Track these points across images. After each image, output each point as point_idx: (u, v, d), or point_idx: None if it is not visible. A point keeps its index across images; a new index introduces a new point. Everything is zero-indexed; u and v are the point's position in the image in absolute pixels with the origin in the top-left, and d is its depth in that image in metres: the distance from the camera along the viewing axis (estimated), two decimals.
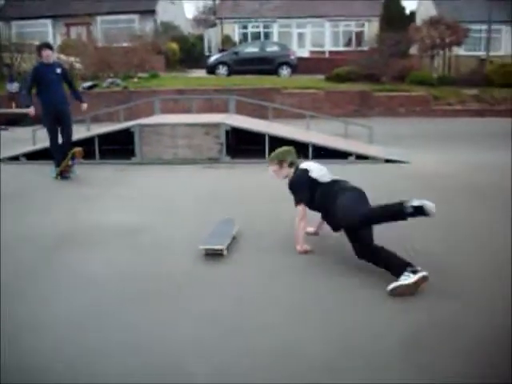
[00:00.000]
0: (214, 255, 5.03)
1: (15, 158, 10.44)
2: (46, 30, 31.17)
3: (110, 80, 19.87)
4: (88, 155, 9.79)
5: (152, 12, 30.58)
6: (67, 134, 8.89)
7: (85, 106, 9.16)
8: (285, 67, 24.42)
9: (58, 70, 8.70)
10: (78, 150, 8.85)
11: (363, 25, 31.50)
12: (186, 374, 3.13)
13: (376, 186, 6.73)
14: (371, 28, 30.17)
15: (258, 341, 3.49)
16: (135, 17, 30.48)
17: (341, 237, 4.90)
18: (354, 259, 4.59)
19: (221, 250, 5.04)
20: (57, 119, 8.73)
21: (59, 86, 8.73)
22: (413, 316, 3.76)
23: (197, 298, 4.16)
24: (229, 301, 4.10)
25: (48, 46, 8.86)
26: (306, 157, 9.79)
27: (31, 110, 8.59)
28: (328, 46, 31.72)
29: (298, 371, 3.13)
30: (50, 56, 8.73)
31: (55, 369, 3.21)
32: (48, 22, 31.17)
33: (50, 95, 8.58)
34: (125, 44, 22.57)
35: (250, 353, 3.35)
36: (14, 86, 19.36)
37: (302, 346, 3.41)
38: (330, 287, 4.31)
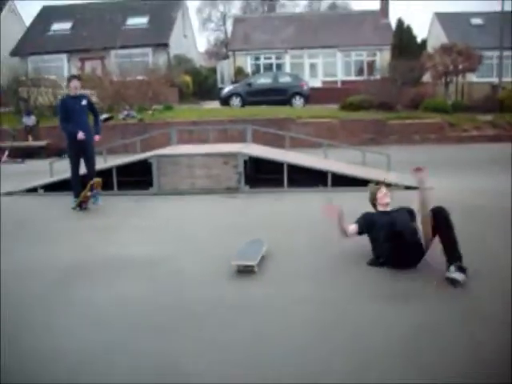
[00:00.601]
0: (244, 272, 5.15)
1: (33, 190, 10.46)
2: (62, 64, 31.60)
3: (125, 112, 20.03)
4: (106, 186, 9.79)
5: (165, 45, 30.95)
6: (91, 164, 9.01)
7: (96, 138, 9.10)
8: (298, 97, 24.52)
9: (84, 102, 8.82)
10: (97, 180, 8.87)
11: (375, 54, 31.68)
12: None
13: None
14: (383, 57, 30.29)
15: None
16: (148, 50, 30.85)
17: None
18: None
19: (252, 267, 5.17)
20: (80, 150, 8.79)
21: (84, 117, 8.82)
22: None
23: (221, 327, 4.07)
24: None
25: (76, 78, 9.00)
26: (325, 185, 9.75)
27: (80, 135, 8.64)
28: (340, 76, 31.88)
29: None
30: (78, 88, 8.83)
31: None
32: (63, 56, 31.61)
33: (74, 126, 8.66)
34: (139, 77, 22.77)
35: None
36: (30, 120, 19.55)
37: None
38: None
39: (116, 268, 5.66)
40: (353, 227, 5.48)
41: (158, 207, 8.99)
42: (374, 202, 5.71)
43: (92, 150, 9.02)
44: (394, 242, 4.94)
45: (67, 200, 9.04)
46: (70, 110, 8.69)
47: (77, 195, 8.83)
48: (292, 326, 4.10)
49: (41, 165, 14.23)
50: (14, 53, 31.85)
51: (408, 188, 9.46)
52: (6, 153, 18.18)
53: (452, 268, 4.68)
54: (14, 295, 4.93)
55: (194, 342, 3.85)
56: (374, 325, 4.05)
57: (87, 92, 9.33)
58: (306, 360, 3.56)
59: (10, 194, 10.36)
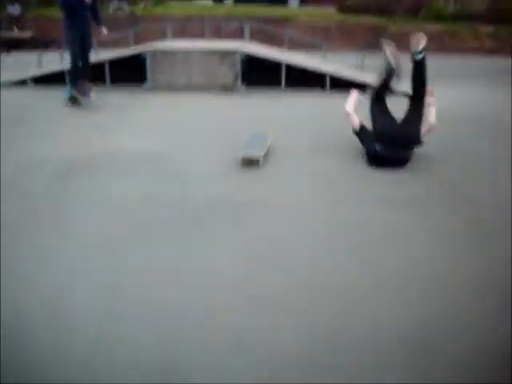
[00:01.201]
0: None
1: (22, 82, 10.11)
2: None
3: (115, 4, 19.26)
4: (98, 80, 9.50)
5: None
6: (87, 57, 8.66)
7: (104, 30, 8.82)
8: None
9: None
10: None
11: None
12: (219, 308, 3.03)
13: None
14: None
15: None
16: None
17: None
18: None
19: (257, 160, 5.36)
20: (80, 39, 8.44)
21: (85, 9, 8.37)
22: None
23: (221, 223, 4.03)
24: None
25: None
26: (322, 87, 9.55)
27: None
28: None
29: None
30: None
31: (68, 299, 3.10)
32: None
33: (76, 18, 8.27)
34: None
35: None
36: (15, 9, 18.74)
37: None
38: None
39: (116, 162, 5.55)
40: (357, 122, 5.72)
41: (153, 103, 8.78)
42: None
43: (90, 42, 8.70)
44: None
45: (58, 94, 8.76)
46: (71, 2, 8.26)
47: (73, 84, 8.56)
48: (300, 227, 4.06)
49: (28, 56, 13.75)
50: None
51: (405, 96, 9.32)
52: None
53: None
54: (15, 189, 4.82)
55: (197, 241, 3.79)
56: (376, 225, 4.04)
57: None
58: (317, 264, 3.54)
59: None
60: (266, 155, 5.54)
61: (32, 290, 3.10)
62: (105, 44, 13.72)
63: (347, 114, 5.75)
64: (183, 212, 4.24)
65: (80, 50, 8.46)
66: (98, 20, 8.75)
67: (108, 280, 3.22)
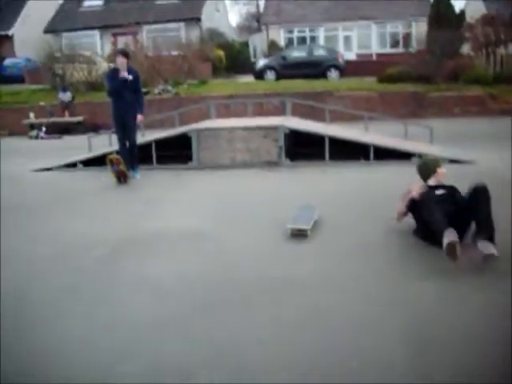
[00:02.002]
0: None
1: (72, 165, 10.44)
2: (95, 40, 31.64)
3: (161, 87, 19.95)
4: (145, 161, 9.75)
5: (197, 20, 30.72)
6: (131, 138, 8.97)
7: (140, 118, 9.00)
8: (333, 70, 24.09)
9: (130, 77, 8.71)
10: (114, 157, 8.70)
11: (410, 25, 30.95)
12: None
13: None
14: (419, 28, 29.56)
15: None
16: (181, 25, 30.68)
17: None
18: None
19: (305, 231, 5.34)
20: (123, 124, 8.75)
21: (128, 92, 8.71)
22: None
23: (272, 305, 3.96)
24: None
25: (122, 53, 8.88)
26: (367, 159, 9.55)
27: (124, 74, 8.71)
28: (375, 48, 31.29)
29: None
30: (124, 63, 8.73)
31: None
32: (96, 32, 31.65)
33: (119, 100, 8.61)
34: (173, 52, 22.68)
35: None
36: (66, 96, 19.60)
37: None
38: None
39: (162, 242, 5.59)
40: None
41: (198, 181, 8.91)
42: (428, 176, 5.46)
43: (134, 128, 8.99)
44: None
45: (107, 174, 8.99)
46: (115, 84, 8.68)
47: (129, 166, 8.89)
48: (348, 301, 3.97)
49: (78, 140, 14.27)
50: (48, 30, 31.99)
51: (453, 162, 9.23)
52: (44, 129, 18.30)
53: (484, 243, 4.48)
54: (59, 271, 4.89)
55: (247, 318, 3.74)
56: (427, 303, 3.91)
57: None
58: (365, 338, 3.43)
59: (48, 169, 10.35)
60: (313, 228, 5.52)
61: (81, 370, 3.08)
62: (151, 125, 14.20)
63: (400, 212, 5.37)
64: (231, 292, 4.20)
65: (123, 132, 8.76)
66: (139, 104, 8.97)
67: (154, 361, 3.18)
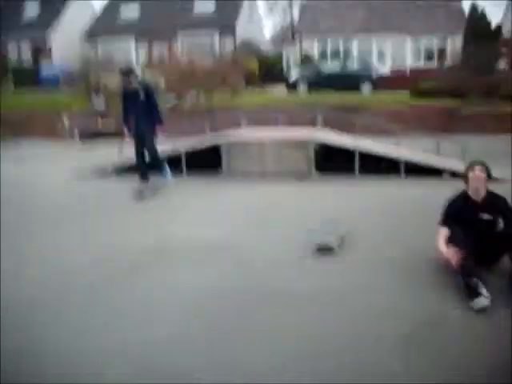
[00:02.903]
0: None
1: (103, 172, 10.57)
2: (130, 47, 32.06)
3: (192, 96, 20.07)
4: (175, 170, 9.82)
5: (232, 30, 30.94)
6: (152, 153, 9.08)
7: (159, 130, 9.01)
8: (366, 83, 23.99)
9: (142, 95, 8.77)
10: None
11: (446, 40, 30.70)
12: None
13: None
14: (454, 43, 29.30)
15: None
16: (215, 34, 30.92)
17: None
18: None
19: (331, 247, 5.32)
20: (141, 140, 8.85)
21: (143, 109, 8.79)
22: None
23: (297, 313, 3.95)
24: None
25: (128, 73, 8.98)
26: (397, 173, 9.47)
27: (125, 134, 9.04)
28: (409, 62, 31.07)
29: None
30: (132, 82, 8.85)
31: None
32: (132, 40, 32.06)
33: (134, 117, 8.77)
34: (206, 62, 22.83)
35: None
36: (100, 102, 19.86)
37: None
38: None
39: (190, 251, 5.62)
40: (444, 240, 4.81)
41: (228, 191, 8.94)
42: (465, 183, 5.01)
43: (152, 140, 9.02)
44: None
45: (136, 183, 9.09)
46: (129, 102, 8.83)
47: (143, 178, 9.00)
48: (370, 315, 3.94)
49: (110, 147, 14.42)
50: (85, 37, 32.51)
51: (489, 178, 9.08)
52: (78, 135, 18.55)
53: None
54: (92, 275, 4.95)
55: (274, 330, 3.74)
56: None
57: (155, 77, 9.24)
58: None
59: (79, 176, 10.49)
60: (340, 243, 5.49)
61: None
62: (183, 134, 14.30)
63: (442, 252, 4.74)
64: (254, 303, 4.21)
65: (141, 146, 8.85)
66: (157, 118, 8.98)
67: (173, 371, 3.19)
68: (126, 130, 9.00)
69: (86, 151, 16.24)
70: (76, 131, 18.83)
